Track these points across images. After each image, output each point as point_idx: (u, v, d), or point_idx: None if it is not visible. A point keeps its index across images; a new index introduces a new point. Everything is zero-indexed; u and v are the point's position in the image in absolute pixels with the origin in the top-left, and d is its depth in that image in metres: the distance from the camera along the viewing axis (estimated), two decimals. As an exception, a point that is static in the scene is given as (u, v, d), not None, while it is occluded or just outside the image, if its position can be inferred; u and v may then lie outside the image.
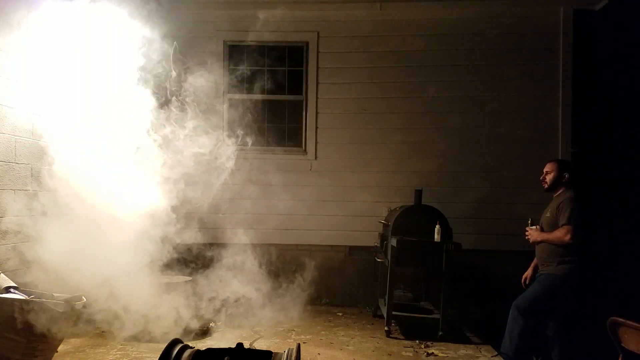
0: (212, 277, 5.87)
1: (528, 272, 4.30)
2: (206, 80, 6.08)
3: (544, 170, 4.17)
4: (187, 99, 6.13)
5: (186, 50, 5.41)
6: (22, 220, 4.25)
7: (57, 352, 3.54)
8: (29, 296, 3.42)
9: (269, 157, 6.18)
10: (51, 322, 3.24)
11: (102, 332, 4.56)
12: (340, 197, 6.08)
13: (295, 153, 6.19)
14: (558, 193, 4.06)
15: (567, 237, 3.80)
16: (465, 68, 5.99)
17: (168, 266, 5.22)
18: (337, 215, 6.07)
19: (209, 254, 6.06)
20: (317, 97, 6.13)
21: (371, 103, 6.08)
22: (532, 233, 4.09)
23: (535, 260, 4.26)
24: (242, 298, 5.92)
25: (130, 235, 4.26)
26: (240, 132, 6.28)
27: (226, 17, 6.12)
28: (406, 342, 4.47)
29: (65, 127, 4.38)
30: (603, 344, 3.12)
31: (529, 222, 4.18)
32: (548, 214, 4.03)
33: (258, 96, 6.24)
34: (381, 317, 5.05)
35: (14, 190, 4.28)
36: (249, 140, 6.27)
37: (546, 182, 4.11)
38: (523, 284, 4.26)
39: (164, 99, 5.59)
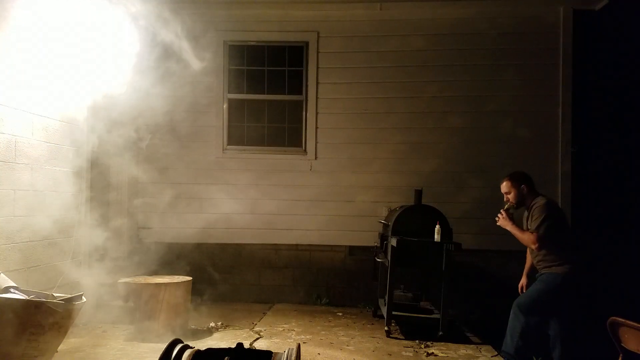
0: (208, 276, 5.89)
1: (523, 281, 4.28)
2: (206, 80, 6.10)
3: (502, 192, 4.13)
4: (186, 99, 6.15)
5: (186, 50, 5.41)
6: None
7: (57, 352, 3.54)
8: (29, 296, 3.41)
9: (268, 157, 6.18)
10: (51, 322, 3.24)
11: (103, 332, 4.56)
12: (340, 197, 6.07)
13: (295, 153, 6.18)
14: (529, 203, 4.03)
15: (535, 246, 3.83)
16: (466, 68, 5.99)
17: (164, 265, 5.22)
18: (337, 215, 6.07)
19: (206, 254, 6.07)
20: (317, 97, 6.13)
21: (371, 103, 6.08)
22: (502, 220, 4.03)
23: (527, 268, 4.26)
24: (241, 297, 5.94)
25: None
26: (240, 132, 6.29)
27: (226, 17, 6.12)
28: (406, 342, 4.47)
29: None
30: (603, 344, 3.13)
31: (506, 206, 4.08)
32: (526, 222, 4.04)
33: (258, 96, 6.24)
34: (381, 317, 5.05)
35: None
36: (249, 140, 6.28)
37: (512, 203, 4.08)
38: (520, 292, 4.22)
39: (163, 98, 5.60)
